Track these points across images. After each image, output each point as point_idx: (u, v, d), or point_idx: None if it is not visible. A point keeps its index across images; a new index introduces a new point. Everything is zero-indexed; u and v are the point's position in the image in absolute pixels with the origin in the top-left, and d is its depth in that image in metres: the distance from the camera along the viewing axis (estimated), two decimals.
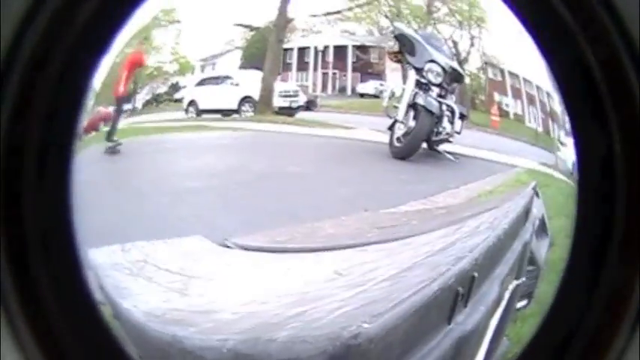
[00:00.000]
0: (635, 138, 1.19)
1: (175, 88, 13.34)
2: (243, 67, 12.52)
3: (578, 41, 1.20)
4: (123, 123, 11.01)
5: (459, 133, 5.47)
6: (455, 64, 5.83)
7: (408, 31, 5.49)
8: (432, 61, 5.30)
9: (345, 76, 10.40)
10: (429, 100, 5.18)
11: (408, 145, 5.16)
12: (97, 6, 1.20)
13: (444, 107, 5.22)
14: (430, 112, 5.15)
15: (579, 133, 1.24)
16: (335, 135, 6.00)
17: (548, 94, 8.58)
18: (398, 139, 5.22)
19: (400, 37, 5.46)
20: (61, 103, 1.22)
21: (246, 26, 12.17)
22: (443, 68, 5.31)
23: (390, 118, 5.49)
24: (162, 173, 4.28)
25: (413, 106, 5.30)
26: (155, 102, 13.67)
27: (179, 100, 12.92)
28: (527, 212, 2.63)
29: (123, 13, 1.26)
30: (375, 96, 10.22)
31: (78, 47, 1.20)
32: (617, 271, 1.20)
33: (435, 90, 5.24)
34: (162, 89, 13.39)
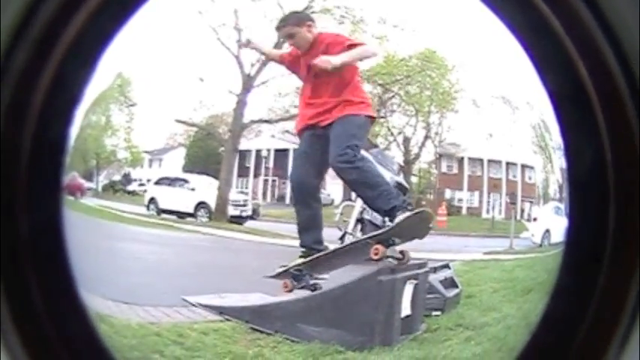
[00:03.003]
0: (626, 144, 1.19)
1: (128, 179, 13.61)
2: (187, 167, 12.87)
3: (570, 54, 1.20)
4: (91, 201, 10.96)
5: None
6: (400, 179, 6.84)
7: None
8: None
9: (284, 183, 10.87)
10: (374, 214, 6.04)
11: None
12: (90, 14, 1.22)
13: (386, 218, 6.04)
14: (375, 224, 5.99)
15: (571, 142, 1.24)
16: (287, 244, 7.04)
17: (523, 167, 9.41)
18: None
19: None
20: (56, 107, 1.22)
21: (188, 123, 12.52)
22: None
23: (341, 230, 6.65)
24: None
25: (360, 220, 6.15)
26: (112, 189, 13.79)
27: (132, 193, 13.07)
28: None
29: (115, 22, 1.27)
30: None
31: (71, 55, 1.22)
32: (613, 273, 1.20)
33: None
34: (117, 177, 13.63)
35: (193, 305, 4.86)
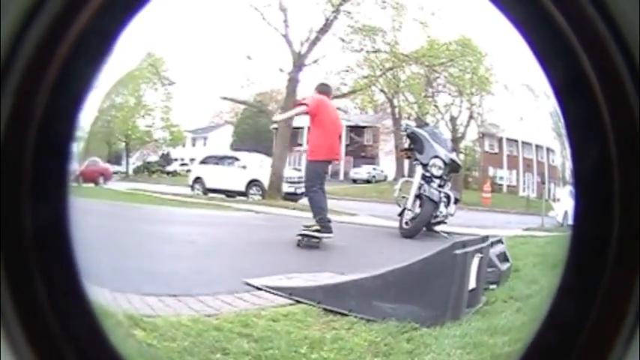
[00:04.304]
0: (631, 140, 1.15)
1: (167, 159, 13.25)
2: (236, 145, 12.61)
3: (574, 48, 1.16)
4: (120, 186, 10.64)
5: (452, 215, 6.51)
6: (454, 156, 6.93)
7: (418, 130, 6.47)
8: (436, 156, 6.20)
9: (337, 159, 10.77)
10: (432, 191, 6.25)
11: (415, 228, 6.30)
12: (93, 14, 1.18)
13: (442, 195, 6.10)
14: (432, 200, 6.07)
15: (576, 137, 1.20)
16: (343, 220, 6.98)
17: (548, 150, 9.84)
18: (406, 222, 6.42)
19: (411, 135, 6.50)
20: (59, 107, 1.18)
21: (236, 101, 12.43)
22: (444, 162, 6.19)
23: (400, 206, 6.90)
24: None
25: (419, 196, 6.26)
26: (147, 171, 13.44)
27: (173, 173, 12.74)
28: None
29: (120, 20, 1.22)
30: (368, 181, 11.05)
31: (75, 53, 1.18)
32: (617, 273, 1.16)
33: (437, 181, 6.17)
34: (153, 158, 13.27)
35: (259, 289, 4.46)
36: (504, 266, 5.30)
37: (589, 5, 1.15)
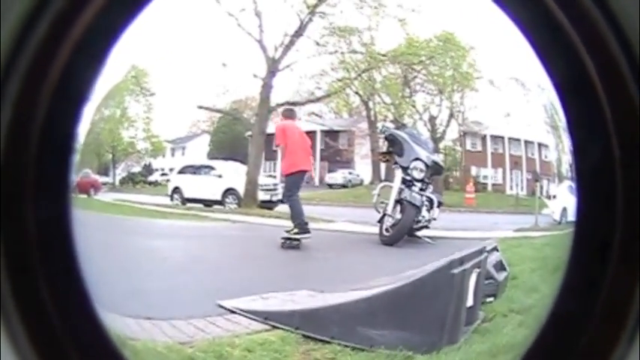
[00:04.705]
0: (633, 139, 1.15)
1: (148, 169, 13.19)
2: (213, 154, 12.51)
3: (575, 46, 1.17)
4: (107, 196, 10.49)
5: (435, 219, 6.14)
6: (436, 158, 6.59)
7: (397, 132, 6.15)
8: (417, 159, 5.86)
9: (312, 164, 10.67)
10: (413, 195, 5.90)
11: (396, 235, 5.96)
12: (94, 16, 1.18)
13: (424, 199, 5.75)
14: (414, 205, 5.72)
15: (578, 134, 1.20)
16: (320, 227, 6.72)
17: (540, 145, 9.49)
18: (387, 229, 6.03)
19: (390, 138, 6.16)
20: (61, 108, 1.19)
21: (212, 109, 12.28)
22: (426, 164, 5.86)
23: (379, 212, 6.45)
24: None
25: (399, 201, 5.90)
26: (131, 181, 13.42)
27: (154, 183, 12.66)
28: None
29: (121, 22, 1.24)
30: (344, 185, 10.78)
31: (77, 55, 1.19)
32: (619, 274, 1.17)
33: (418, 185, 5.84)
34: (137, 169, 13.24)
35: (232, 312, 4.13)
36: (501, 276, 4.90)
37: (590, 3, 1.16)
